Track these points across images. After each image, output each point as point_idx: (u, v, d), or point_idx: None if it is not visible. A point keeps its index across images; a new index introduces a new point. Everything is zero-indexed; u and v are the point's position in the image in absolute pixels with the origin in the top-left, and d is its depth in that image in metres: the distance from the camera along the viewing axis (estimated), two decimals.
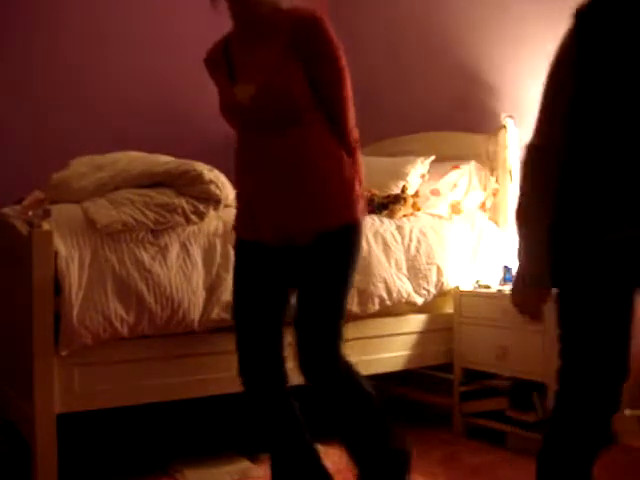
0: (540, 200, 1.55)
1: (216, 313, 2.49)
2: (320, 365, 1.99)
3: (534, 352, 2.75)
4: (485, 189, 3.42)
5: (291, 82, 1.92)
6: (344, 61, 1.97)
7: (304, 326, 2.00)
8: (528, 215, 1.57)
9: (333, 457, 2.65)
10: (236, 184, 2.16)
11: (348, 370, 2.03)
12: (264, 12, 1.97)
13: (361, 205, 2.04)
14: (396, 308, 2.98)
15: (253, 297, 2.08)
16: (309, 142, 1.97)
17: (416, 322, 3.06)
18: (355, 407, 2.04)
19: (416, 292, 3.01)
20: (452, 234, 3.19)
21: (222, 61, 2.06)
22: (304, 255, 2.00)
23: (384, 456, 2.07)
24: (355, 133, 2.05)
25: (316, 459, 2.14)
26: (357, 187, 2.03)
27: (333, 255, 2.00)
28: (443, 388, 3.18)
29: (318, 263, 1.99)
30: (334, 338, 2.00)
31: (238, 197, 2.15)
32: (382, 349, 2.93)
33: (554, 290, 1.60)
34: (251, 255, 2.09)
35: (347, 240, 2.02)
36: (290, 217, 1.99)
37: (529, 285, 1.57)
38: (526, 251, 1.57)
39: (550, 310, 2.74)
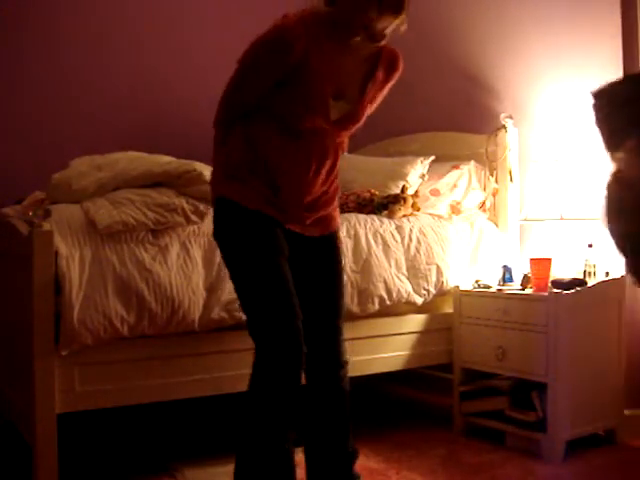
0: None
1: (216, 313, 2.50)
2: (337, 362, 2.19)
3: (534, 352, 2.75)
4: (485, 189, 3.42)
5: (365, 112, 2.16)
6: None
7: (332, 316, 2.19)
8: None
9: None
10: (259, 170, 2.06)
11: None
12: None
13: None
14: (396, 308, 2.98)
15: (286, 275, 2.05)
16: (339, 157, 2.18)
17: (416, 322, 3.06)
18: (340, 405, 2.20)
19: (416, 292, 3.01)
20: (452, 234, 3.19)
21: (316, 57, 1.97)
22: (315, 245, 2.18)
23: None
24: None
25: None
26: None
27: (339, 249, 2.26)
28: (443, 388, 3.18)
29: (335, 255, 2.23)
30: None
31: (258, 182, 2.06)
32: (382, 349, 2.93)
33: None
34: (269, 227, 2.07)
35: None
36: (319, 215, 2.17)
37: None
38: None
39: (550, 310, 2.75)
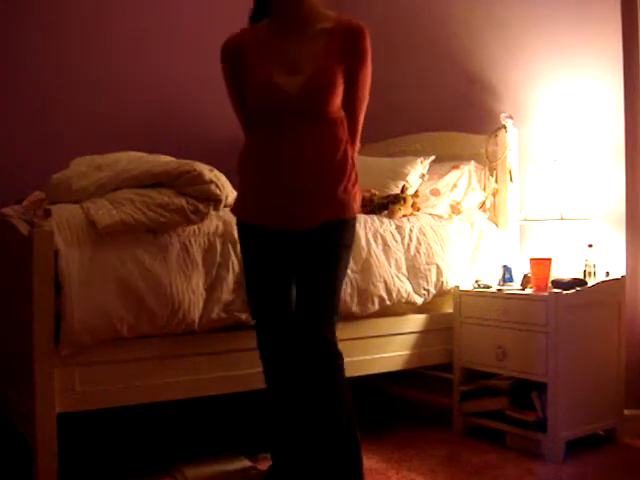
0: None
1: (216, 313, 2.50)
2: (318, 346, 2.16)
3: (534, 352, 2.75)
4: (485, 189, 3.42)
5: (335, 79, 2.13)
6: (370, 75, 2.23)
7: (310, 302, 2.18)
8: None
9: None
10: (245, 172, 2.27)
11: (339, 358, 2.20)
12: (312, 11, 2.17)
13: (359, 204, 2.30)
14: (396, 308, 2.98)
15: (267, 277, 2.27)
16: (333, 137, 2.17)
17: (416, 322, 3.06)
18: (336, 400, 2.18)
19: (416, 292, 3.01)
20: (452, 234, 3.19)
21: (254, 51, 2.18)
22: (309, 238, 2.19)
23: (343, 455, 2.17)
24: (359, 140, 2.31)
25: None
26: (357, 186, 2.28)
27: (337, 240, 2.21)
28: (443, 388, 3.18)
29: (323, 245, 2.19)
30: (333, 321, 2.19)
31: (245, 185, 2.28)
32: (382, 349, 2.93)
33: None
34: (257, 238, 2.26)
35: (349, 229, 2.26)
36: (305, 203, 2.17)
37: None
38: None
39: (550, 310, 2.75)
